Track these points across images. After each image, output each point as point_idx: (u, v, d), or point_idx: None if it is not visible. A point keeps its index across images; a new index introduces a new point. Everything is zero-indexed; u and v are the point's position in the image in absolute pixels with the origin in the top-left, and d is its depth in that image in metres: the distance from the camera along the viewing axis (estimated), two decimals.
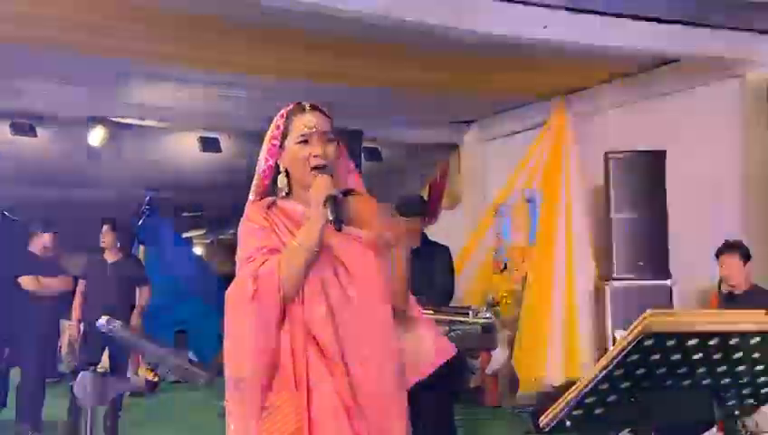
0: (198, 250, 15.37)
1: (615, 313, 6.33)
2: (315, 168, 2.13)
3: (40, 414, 6.40)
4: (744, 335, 1.65)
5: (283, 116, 2.25)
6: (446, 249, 4.92)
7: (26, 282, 6.35)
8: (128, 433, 6.18)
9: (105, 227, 6.41)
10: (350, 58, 6.65)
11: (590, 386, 1.66)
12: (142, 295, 6.47)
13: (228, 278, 8.84)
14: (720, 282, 5.39)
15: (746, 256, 5.15)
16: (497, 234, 8.38)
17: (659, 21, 5.83)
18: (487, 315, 4.34)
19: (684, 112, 6.87)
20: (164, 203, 10.08)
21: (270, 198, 2.26)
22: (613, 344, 5.76)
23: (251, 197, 2.28)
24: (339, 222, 2.01)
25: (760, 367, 1.71)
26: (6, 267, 6.57)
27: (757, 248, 5.91)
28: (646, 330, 1.57)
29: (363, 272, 2.10)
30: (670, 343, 1.61)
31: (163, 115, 8.53)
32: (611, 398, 1.69)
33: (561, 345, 7.26)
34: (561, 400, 1.73)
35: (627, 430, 1.79)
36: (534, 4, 5.50)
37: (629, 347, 1.59)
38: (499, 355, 7.08)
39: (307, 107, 2.23)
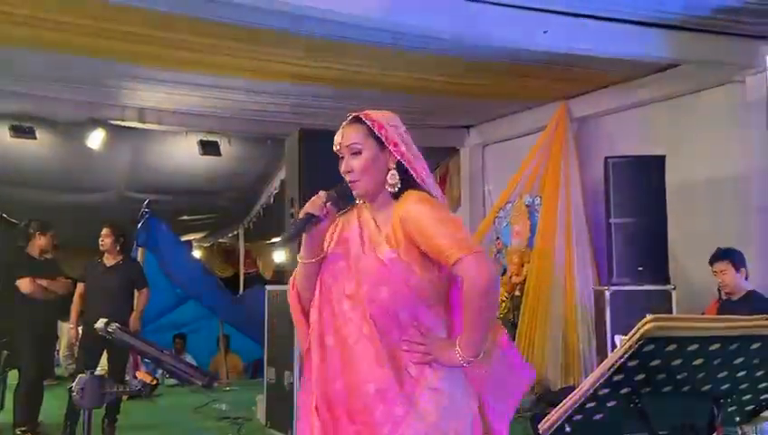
0: (197, 254, 15.35)
1: (614, 318, 6.31)
2: (351, 182, 2.23)
3: (37, 416, 6.37)
4: (745, 341, 1.64)
5: None
6: None
7: (24, 284, 6.33)
8: None
9: (104, 230, 6.41)
10: (350, 63, 6.66)
11: (590, 391, 1.66)
12: (141, 298, 6.46)
13: (227, 281, 8.88)
14: (719, 288, 5.39)
15: (739, 263, 5.15)
16: (497, 238, 8.39)
17: (659, 26, 5.84)
18: None
19: (683, 117, 6.89)
20: (163, 206, 10.07)
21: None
22: (613, 349, 5.77)
23: None
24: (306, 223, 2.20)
25: (760, 373, 1.70)
26: (5, 270, 6.56)
27: (757, 254, 5.93)
28: (646, 335, 1.56)
29: (357, 287, 2.17)
30: (670, 348, 1.61)
31: (162, 118, 8.53)
32: (611, 403, 1.69)
33: (560, 350, 7.27)
34: (560, 405, 1.72)
35: None
36: (535, 10, 5.50)
37: (629, 352, 1.59)
38: None
39: (345, 122, 2.30)
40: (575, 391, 1.71)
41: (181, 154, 9.64)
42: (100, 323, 2.48)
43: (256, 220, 12.73)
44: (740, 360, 1.68)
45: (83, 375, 2.16)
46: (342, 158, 2.26)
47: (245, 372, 11.02)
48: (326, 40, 5.94)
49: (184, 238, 12.81)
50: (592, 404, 1.69)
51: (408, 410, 2.06)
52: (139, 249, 9.24)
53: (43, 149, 8.90)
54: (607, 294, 6.41)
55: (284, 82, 7.32)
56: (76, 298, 6.41)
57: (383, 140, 2.20)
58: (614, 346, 5.70)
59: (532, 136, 8.32)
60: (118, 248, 6.45)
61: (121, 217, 7.67)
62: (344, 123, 2.29)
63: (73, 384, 2.16)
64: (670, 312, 6.17)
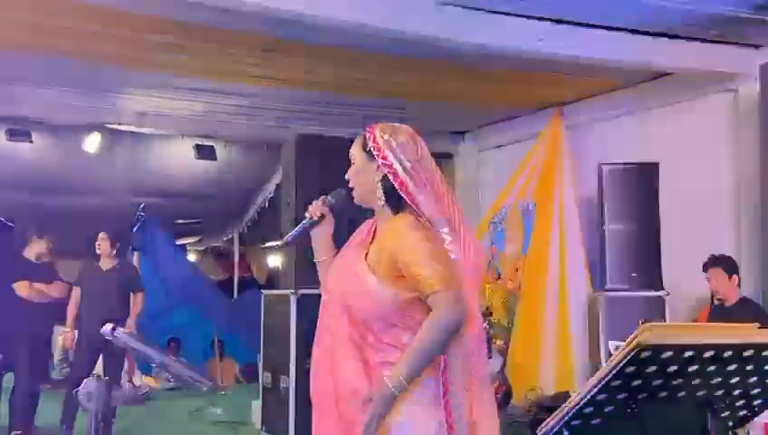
0: (191, 257, 15.36)
1: (608, 324, 6.36)
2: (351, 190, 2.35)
3: (32, 420, 6.38)
4: (738, 348, 1.69)
5: None
6: None
7: (21, 288, 6.35)
8: None
9: (101, 235, 6.43)
10: (347, 68, 6.70)
11: (587, 396, 1.70)
12: (137, 302, 6.47)
13: (220, 285, 8.89)
14: (712, 294, 5.44)
15: (732, 270, 5.20)
16: (491, 243, 8.41)
17: (653, 35, 5.90)
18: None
19: (677, 125, 6.93)
20: (158, 210, 10.09)
21: None
22: (606, 355, 5.82)
23: None
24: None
25: (753, 379, 1.75)
26: (1, 273, 6.58)
27: (749, 260, 5.98)
28: (642, 342, 1.60)
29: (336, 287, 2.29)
30: (666, 355, 1.65)
31: (159, 123, 8.55)
32: (608, 408, 1.73)
33: (555, 356, 7.30)
34: (559, 410, 1.76)
35: None
36: (530, 18, 5.56)
37: (626, 359, 1.63)
38: (493, 365, 7.10)
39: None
40: (573, 396, 1.75)
41: (177, 158, 9.66)
42: (106, 328, 2.50)
43: (251, 224, 12.75)
44: (733, 367, 1.72)
45: (91, 380, 2.19)
46: None
47: (242, 375, 11.02)
48: (323, 46, 5.98)
49: (178, 242, 12.82)
50: (590, 409, 1.73)
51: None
52: (135, 253, 9.26)
53: (39, 153, 8.90)
54: (601, 299, 6.47)
55: (281, 87, 7.35)
56: (72, 302, 6.42)
57: (373, 152, 2.24)
58: (608, 352, 5.74)
59: (527, 142, 8.35)
60: (114, 252, 6.48)
61: (117, 221, 7.69)
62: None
63: (80, 388, 2.18)
64: (663, 318, 6.22)
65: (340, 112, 8.12)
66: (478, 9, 5.40)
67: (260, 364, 8.25)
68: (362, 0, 5.13)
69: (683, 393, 1.75)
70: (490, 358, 6.02)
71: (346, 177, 2.32)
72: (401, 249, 2.11)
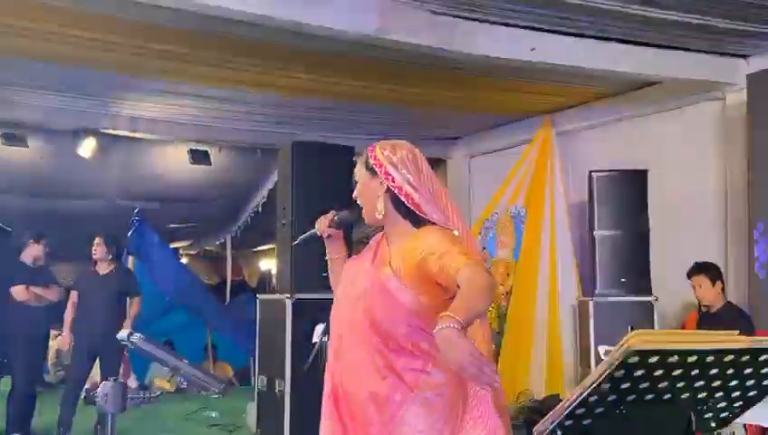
0: (183, 261, 15.40)
1: (598, 328, 6.45)
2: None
3: (30, 423, 6.44)
4: (719, 354, 1.80)
5: None
6: None
7: (17, 292, 6.40)
8: None
9: (97, 240, 6.48)
10: (341, 75, 6.78)
11: (579, 398, 1.80)
12: (134, 306, 6.53)
13: (213, 289, 8.92)
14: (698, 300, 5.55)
15: (716, 277, 5.30)
16: (482, 249, 8.50)
17: (642, 45, 6.02)
18: None
19: (665, 133, 7.05)
20: (152, 214, 10.15)
21: None
22: (596, 359, 5.92)
23: None
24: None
25: (733, 383, 1.86)
26: None
27: (736, 266, 6.10)
28: (631, 348, 1.71)
29: (352, 300, 2.33)
30: (653, 359, 1.76)
31: (153, 128, 8.61)
32: (599, 409, 1.84)
33: (545, 359, 7.40)
34: (553, 411, 1.87)
35: None
36: (523, 27, 5.67)
37: (616, 363, 1.74)
38: None
39: None
40: (566, 398, 1.85)
41: (171, 163, 9.71)
42: (123, 333, 2.58)
43: (243, 228, 12.81)
44: (715, 371, 1.83)
45: (108, 382, 2.27)
46: None
47: (235, 378, 11.08)
48: (318, 53, 6.06)
49: (171, 246, 12.86)
50: (582, 410, 1.83)
51: (397, 416, 2.19)
52: (130, 257, 9.31)
53: (34, 158, 8.95)
54: (590, 304, 6.56)
55: (275, 93, 7.43)
56: (70, 306, 6.47)
57: (375, 168, 2.34)
58: (597, 356, 5.84)
59: (518, 148, 8.46)
60: (110, 257, 6.54)
61: (112, 225, 7.74)
62: None
63: (98, 391, 2.26)
64: (652, 322, 6.32)
65: (333, 118, 8.21)
66: (472, 19, 5.52)
67: (253, 368, 8.33)
68: (359, 10, 5.21)
69: (668, 396, 1.85)
70: None
71: (354, 195, 2.40)
72: (428, 245, 2.16)
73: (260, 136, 8.89)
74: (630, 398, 1.81)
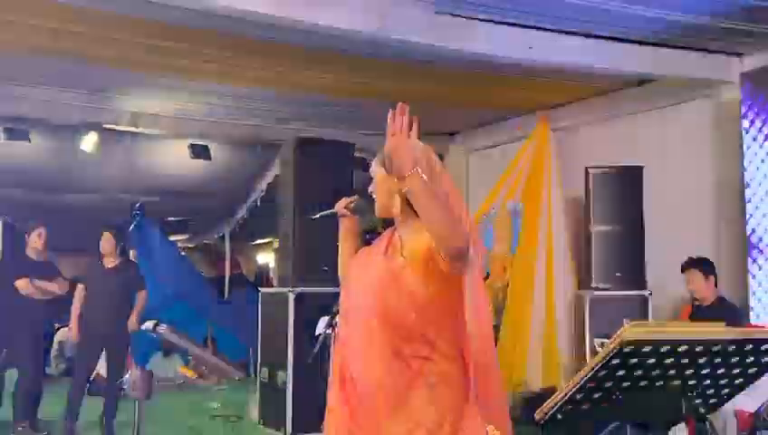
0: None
1: (593, 321, 6.55)
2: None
3: (36, 413, 6.55)
4: (707, 344, 1.91)
5: None
6: None
7: (20, 285, 6.49)
8: (122, 432, 6.34)
9: (105, 234, 6.55)
10: (339, 72, 6.87)
11: (578, 385, 1.92)
12: (140, 299, 6.61)
13: (212, 282, 9.00)
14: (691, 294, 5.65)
15: (708, 271, 5.40)
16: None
17: (638, 43, 6.12)
18: None
19: (661, 129, 7.14)
20: (153, 207, 10.24)
21: None
22: (591, 352, 6.03)
23: None
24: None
25: (720, 371, 1.97)
26: (3, 270, 6.73)
27: (729, 261, 6.21)
28: (626, 339, 1.83)
29: (364, 287, 2.42)
30: (646, 349, 1.88)
31: (154, 123, 8.69)
32: (596, 395, 1.96)
33: (541, 352, 7.49)
34: (553, 397, 1.99)
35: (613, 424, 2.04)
36: (521, 26, 5.77)
37: (612, 353, 1.86)
38: None
39: None
40: (567, 385, 1.97)
41: (172, 157, 9.81)
42: (149, 324, 2.69)
43: (242, 222, 12.91)
44: (703, 360, 1.94)
45: (134, 370, 2.38)
46: None
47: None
48: (316, 51, 6.15)
49: (170, 239, 12.94)
50: (580, 395, 1.95)
51: (403, 402, 2.28)
52: (131, 250, 9.39)
53: (37, 152, 9.03)
54: (586, 298, 6.66)
55: (274, 89, 7.52)
56: (76, 299, 6.56)
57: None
58: (593, 348, 5.95)
59: (515, 144, 8.54)
60: (117, 251, 6.63)
61: (113, 219, 7.83)
62: None
63: (125, 378, 2.38)
64: (646, 316, 6.43)
65: (332, 114, 8.30)
66: (471, 18, 5.61)
67: (252, 360, 8.43)
68: (360, 9, 5.31)
69: (660, 383, 1.97)
70: None
71: (369, 190, 2.50)
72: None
73: (260, 131, 8.97)
74: (625, 384, 1.93)
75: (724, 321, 2.23)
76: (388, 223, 2.54)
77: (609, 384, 1.94)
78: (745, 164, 6.01)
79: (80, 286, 6.60)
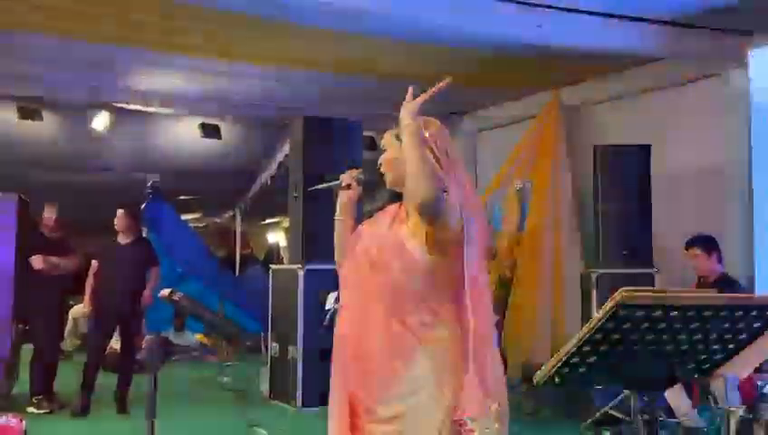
0: None
1: (600, 299, 6.59)
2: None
3: (52, 386, 6.69)
4: (699, 309, 1.98)
5: None
6: None
7: (36, 261, 6.59)
8: (136, 406, 6.46)
9: (119, 211, 6.65)
10: (348, 50, 6.91)
11: (574, 348, 2.00)
12: (153, 275, 6.71)
13: (222, 261, 9.11)
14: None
15: (711, 248, 5.45)
16: (488, 221, 8.63)
17: (647, 21, 6.14)
18: None
19: (669, 108, 7.17)
20: (164, 186, 10.35)
21: None
22: None
23: None
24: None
25: (712, 336, 2.04)
26: (18, 247, 6.83)
27: (734, 239, 6.25)
28: (619, 302, 1.90)
29: (378, 255, 2.46)
30: (639, 314, 1.95)
31: (165, 102, 8.76)
32: (592, 359, 2.03)
33: (549, 330, 7.57)
34: (551, 359, 2.07)
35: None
36: (530, 5, 5.79)
37: (606, 316, 1.93)
38: None
39: None
40: (563, 348, 2.05)
41: (183, 136, 9.91)
42: (165, 292, 2.78)
43: (252, 202, 13.02)
44: (695, 325, 2.01)
45: (150, 337, 2.47)
46: None
47: (245, 347, 11.29)
48: (325, 29, 6.19)
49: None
50: (577, 359, 2.02)
51: (405, 364, 2.35)
52: (143, 228, 9.50)
53: (49, 131, 9.14)
54: (593, 276, 6.71)
55: (287, 67, 7.56)
56: (90, 276, 6.67)
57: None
58: None
59: (524, 123, 8.58)
60: (131, 228, 6.73)
61: (125, 198, 7.93)
62: None
63: (143, 346, 2.46)
64: None
65: (342, 93, 8.34)
66: None
67: (264, 336, 8.54)
68: None
69: (654, 347, 2.04)
70: None
71: (378, 162, 2.55)
72: None
73: (270, 110, 9.03)
74: (620, 348, 2.00)
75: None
76: (393, 197, 2.59)
77: (604, 348, 2.00)
78: (752, 143, 6.03)
79: (94, 263, 6.71)
